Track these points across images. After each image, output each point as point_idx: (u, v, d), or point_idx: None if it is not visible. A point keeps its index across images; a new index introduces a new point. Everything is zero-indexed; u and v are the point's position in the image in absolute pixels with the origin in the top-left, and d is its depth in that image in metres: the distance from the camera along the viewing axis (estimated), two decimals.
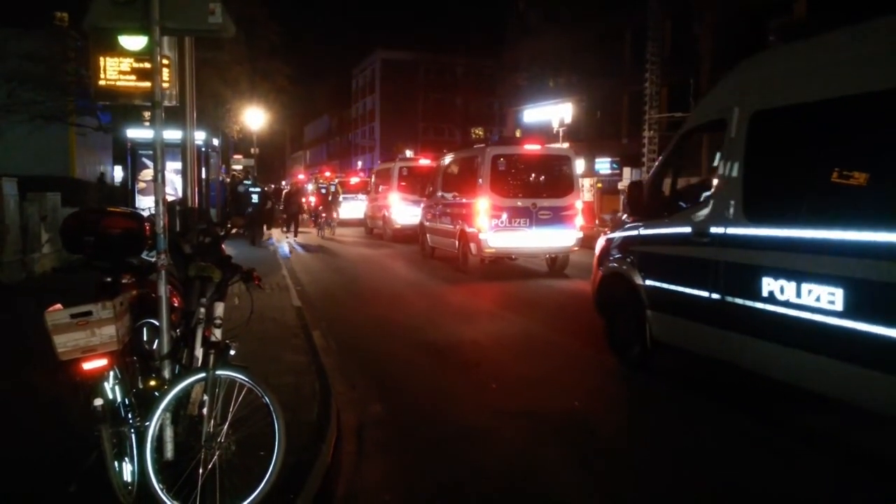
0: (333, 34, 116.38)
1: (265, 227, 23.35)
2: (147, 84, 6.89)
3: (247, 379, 4.05)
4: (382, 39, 73.10)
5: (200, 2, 4.51)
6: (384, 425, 5.89)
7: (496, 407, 6.25)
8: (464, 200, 15.44)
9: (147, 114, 15.22)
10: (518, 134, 39.09)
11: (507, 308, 11.21)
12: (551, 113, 38.02)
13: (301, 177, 43.32)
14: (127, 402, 4.05)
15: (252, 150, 36.63)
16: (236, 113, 30.58)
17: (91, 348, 3.82)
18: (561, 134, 35.27)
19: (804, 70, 5.78)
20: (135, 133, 18.72)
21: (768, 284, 5.55)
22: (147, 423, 3.88)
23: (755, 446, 5.41)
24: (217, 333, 4.30)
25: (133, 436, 3.99)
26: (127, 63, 8.78)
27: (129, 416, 4.03)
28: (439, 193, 17.28)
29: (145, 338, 4.64)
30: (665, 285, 6.95)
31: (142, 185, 18.78)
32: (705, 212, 6.42)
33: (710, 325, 6.26)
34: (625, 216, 8.26)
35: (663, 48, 29.53)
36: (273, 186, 33.58)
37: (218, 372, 4.04)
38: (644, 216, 7.52)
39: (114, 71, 7.71)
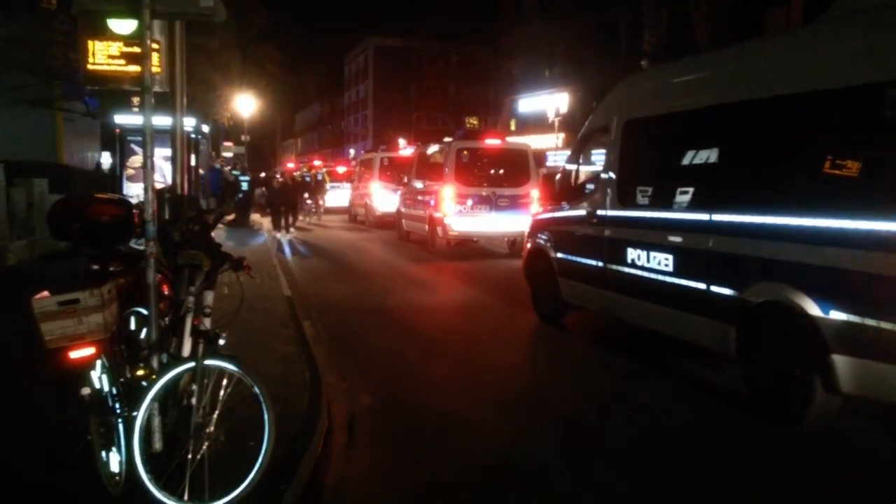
0: (325, 20, 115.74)
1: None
2: (136, 69, 6.80)
3: (236, 369, 4.00)
4: (375, 26, 72.64)
5: None
6: (375, 415, 5.86)
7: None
8: (433, 188, 17.14)
9: (136, 99, 15.05)
10: (512, 125, 38.99)
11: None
12: (547, 102, 37.92)
13: (290, 165, 43.10)
14: (114, 391, 4.00)
15: (243, 138, 36.42)
16: (227, 99, 30.37)
17: (78, 336, 3.77)
18: (556, 123, 35.18)
19: (655, 89, 7.89)
20: (123, 119, 18.50)
21: (631, 254, 7.39)
22: (135, 413, 3.83)
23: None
24: (206, 322, 4.25)
25: (121, 426, 3.93)
26: (116, 47, 8.65)
27: (117, 405, 3.98)
28: (413, 182, 18.98)
29: (133, 326, 4.58)
30: (569, 257, 8.79)
31: (130, 171, 18.59)
32: (594, 199, 8.27)
33: (597, 287, 8.08)
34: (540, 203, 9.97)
35: (659, 38, 29.48)
36: (265, 175, 33.25)
37: (207, 361, 4.00)
38: (556, 202, 9.29)
39: (102, 55, 7.61)
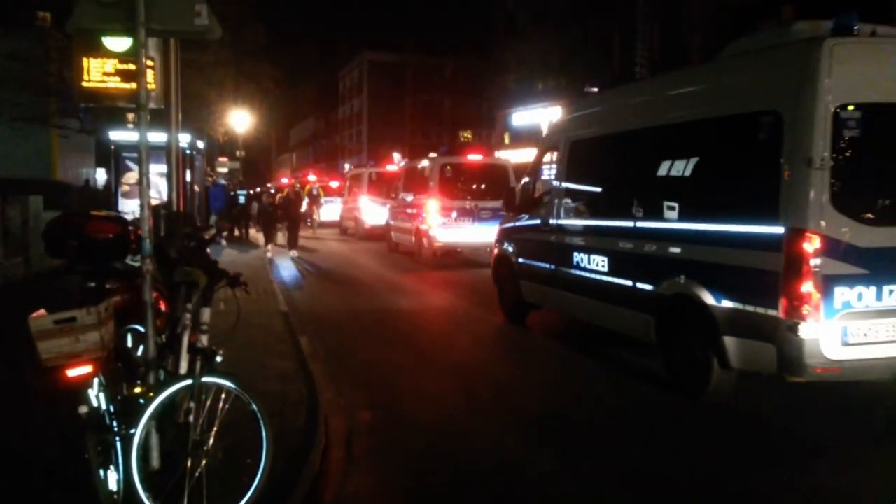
0: (320, 35, 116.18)
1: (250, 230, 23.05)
2: (132, 86, 6.82)
3: (234, 386, 3.99)
4: (369, 41, 72.95)
5: (186, 3, 4.45)
6: (373, 432, 5.84)
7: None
8: (419, 202, 18.10)
9: (131, 116, 15.05)
10: (506, 138, 39.04)
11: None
12: (540, 116, 38.01)
13: (285, 180, 43.14)
14: (112, 409, 3.98)
15: (238, 153, 36.45)
16: (221, 115, 30.39)
17: (76, 355, 3.75)
18: None
19: (593, 114, 9.11)
20: (118, 135, 18.52)
21: (576, 257, 8.53)
22: (132, 431, 3.81)
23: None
24: (203, 339, 4.25)
25: (118, 443, 3.92)
26: (111, 64, 8.68)
27: (115, 423, 3.96)
28: (401, 196, 20.07)
29: (130, 344, 4.57)
30: (527, 262, 9.84)
31: (126, 188, 18.59)
32: (546, 209, 9.37)
33: (551, 287, 9.15)
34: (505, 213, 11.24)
35: (652, 50, 29.63)
36: (260, 190, 33.26)
37: (204, 379, 3.99)
38: (517, 213, 10.34)
39: (98, 72, 7.63)
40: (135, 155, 13.28)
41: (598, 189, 8.65)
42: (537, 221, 9.53)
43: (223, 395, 4.01)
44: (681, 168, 6.94)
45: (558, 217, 9.04)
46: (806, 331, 5.48)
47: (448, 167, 17.93)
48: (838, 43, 5.69)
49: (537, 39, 39.90)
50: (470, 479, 4.93)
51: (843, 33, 5.86)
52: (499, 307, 10.76)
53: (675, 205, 6.89)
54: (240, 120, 32.39)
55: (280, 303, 11.19)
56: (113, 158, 19.04)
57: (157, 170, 13.44)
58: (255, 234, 25.44)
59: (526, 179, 10.46)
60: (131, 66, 6.44)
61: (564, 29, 37.29)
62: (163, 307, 4.68)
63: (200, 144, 24.19)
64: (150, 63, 8.36)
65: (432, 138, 65.83)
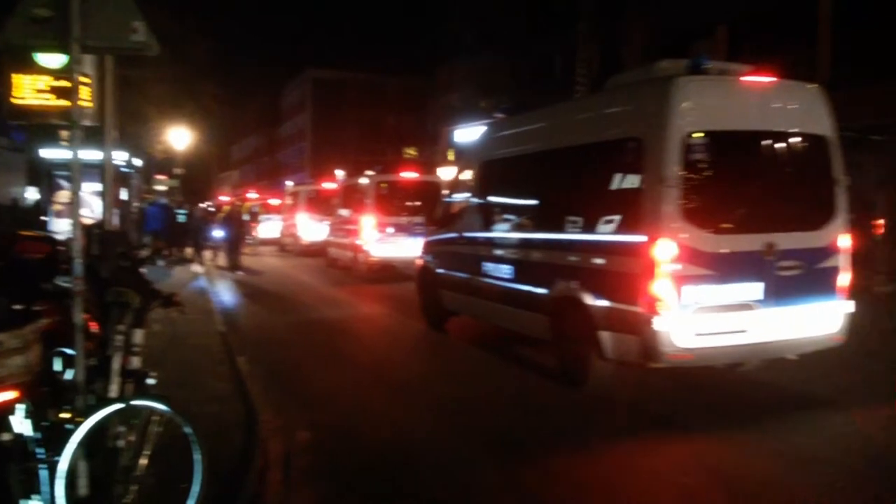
0: (263, 53, 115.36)
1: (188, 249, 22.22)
2: (65, 103, 6.67)
3: (166, 408, 3.92)
4: (312, 58, 72.74)
5: (122, 20, 4.39)
6: (313, 452, 5.77)
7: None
8: (355, 218, 18.75)
9: (65, 133, 14.68)
10: (450, 155, 39.28)
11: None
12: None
13: (225, 198, 42.57)
14: (38, 435, 3.86)
15: (176, 171, 35.76)
16: (160, 132, 29.80)
17: None
18: None
19: (499, 138, 9.97)
20: (51, 153, 17.99)
21: (486, 266, 9.35)
22: (59, 458, 3.70)
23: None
24: (135, 362, 4.16)
25: (44, 471, 3.79)
26: (44, 81, 8.46)
27: (40, 450, 3.83)
28: (339, 213, 20.76)
29: (59, 367, 4.44)
30: (447, 272, 10.59)
31: (58, 207, 18.02)
32: (462, 223, 10.23)
33: (467, 295, 9.96)
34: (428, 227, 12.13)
35: (591, 70, 30.28)
36: (202, 206, 32.62)
37: (135, 402, 3.91)
38: (438, 227, 11.15)
39: (30, 89, 7.43)
40: (67, 173, 12.91)
41: (504, 205, 9.56)
42: (454, 235, 10.39)
43: (155, 419, 3.93)
44: (568, 186, 8.14)
45: (471, 231, 9.94)
46: (661, 324, 6.38)
47: (383, 185, 18.60)
48: (689, 80, 6.71)
49: (481, 58, 40.44)
50: (411, 496, 4.92)
51: (695, 72, 6.91)
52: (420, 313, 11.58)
53: (564, 219, 7.90)
54: (179, 137, 31.77)
55: (218, 322, 11.00)
56: (45, 177, 18.47)
57: (91, 188, 13.13)
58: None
59: (446, 196, 11.35)
60: (65, 83, 6.31)
61: (507, 49, 37.89)
62: (94, 329, 4.57)
63: (137, 162, 23.67)
64: (84, 80, 8.19)
65: (377, 155, 65.57)
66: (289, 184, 38.50)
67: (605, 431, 6.35)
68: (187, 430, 3.89)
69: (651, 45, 26.00)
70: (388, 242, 17.70)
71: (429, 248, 11.41)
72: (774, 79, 7.20)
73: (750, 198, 7.03)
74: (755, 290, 6.64)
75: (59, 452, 3.71)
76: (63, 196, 17.54)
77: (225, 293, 15.75)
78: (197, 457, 3.87)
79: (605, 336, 6.97)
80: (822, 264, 6.98)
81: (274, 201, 36.95)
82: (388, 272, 18.22)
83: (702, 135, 6.64)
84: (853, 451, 5.67)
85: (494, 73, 39.77)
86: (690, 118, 6.58)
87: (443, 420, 6.71)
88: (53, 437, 3.87)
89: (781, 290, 6.70)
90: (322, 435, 6.17)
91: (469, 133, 40.77)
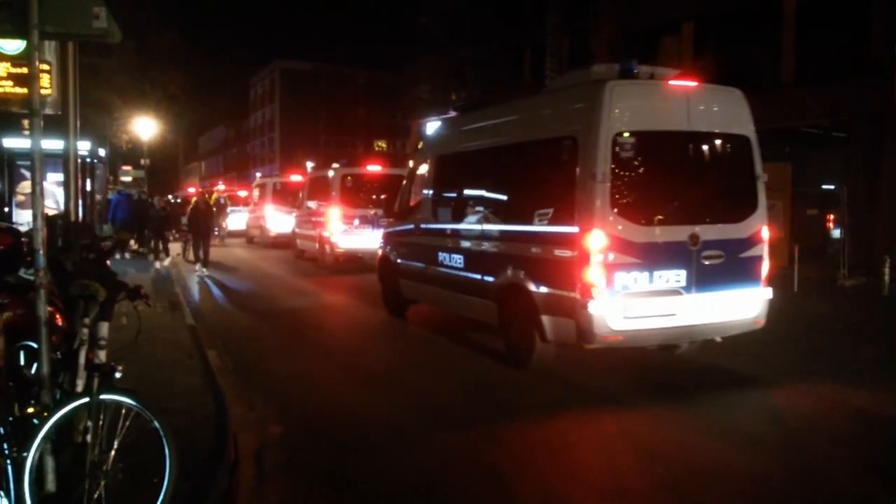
0: (231, 43, 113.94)
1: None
2: (24, 90, 6.50)
3: (134, 403, 3.84)
4: (281, 49, 72.12)
5: (83, 5, 4.28)
6: (285, 446, 5.72)
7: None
8: (322, 210, 19.06)
9: (26, 122, 14.34)
10: (420, 147, 39.13)
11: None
12: None
13: (192, 189, 42.01)
14: (2, 431, 3.76)
15: (142, 161, 35.20)
16: (125, 122, 29.29)
17: None
18: None
19: (452, 133, 10.63)
20: (12, 142, 17.56)
21: (440, 256, 9.80)
22: (25, 454, 3.62)
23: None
24: (101, 355, 4.08)
25: (9, 467, 3.70)
26: (2, 67, 8.25)
27: (5, 445, 3.74)
28: (306, 205, 20.95)
29: (23, 361, 4.33)
30: (405, 261, 10.99)
31: (20, 198, 17.60)
32: (418, 215, 10.63)
33: (423, 283, 10.40)
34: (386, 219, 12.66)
35: (561, 64, 30.36)
36: (168, 198, 32.06)
37: (102, 396, 3.82)
38: (396, 219, 11.54)
39: None
40: (29, 163, 12.60)
41: (455, 198, 9.96)
42: (411, 226, 10.82)
43: (123, 413, 3.85)
44: (512, 181, 8.72)
45: (426, 222, 10.40)
46: (594, 307, 6.92)
47: (349, 178, 19.04)
48: (618, 84, 7.21)
49: (451, 52, 40.36)
50: (385, 491, 4.90)
51: (626, 76, 7.40)
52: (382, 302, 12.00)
53: (511, 211, 8.57)
54: (145, 127, 31.26)
55: (187, 315, 10.85)
56: (6, 167, 18.02)
57: (54, 178, 12.83)
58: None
59: (404, 189, 11.72)
60: (24, 70, 6.15)
61: (477, 42, 37.87)
62: (59, 322, 4.47)
63: (102, 152, 23.21)
64: (45, 67, 8.00)
65: (347, 147, 65.44)
66: (258, 175, 38.16)
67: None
68: (156, 424, 3.82)
69: (619, 38, 26.19)
70: (354, 234, 18.05)
71: (388, 239, 11.90)
72: (699, 83, 7.70)
73: (676, 192, 7.58)
74: (680, 277, 7.20)
75: (25, 448, 3.63)
76: (25, 186, 17.14)
77: (193, 286, 15.53)
78: (167, 452, 3.80)
79: (546, 320, 7.51)
80: (743, 254, 7.59)
81: (242, 193, 36.65)
82: (354, 263, 18.38)
83: (630, 135, 7.23)
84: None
85: (464, 66, 39.76)
86: (620, 119, 7.12)
87: (402, 402, 7.11)
88: (19, 433, 3.78)
89: (705, 278, 7.28)
90: (291, 426, 6.13)
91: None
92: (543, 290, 7.58)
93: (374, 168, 19.46)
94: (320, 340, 10.29)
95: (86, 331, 4.12)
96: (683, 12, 23.59)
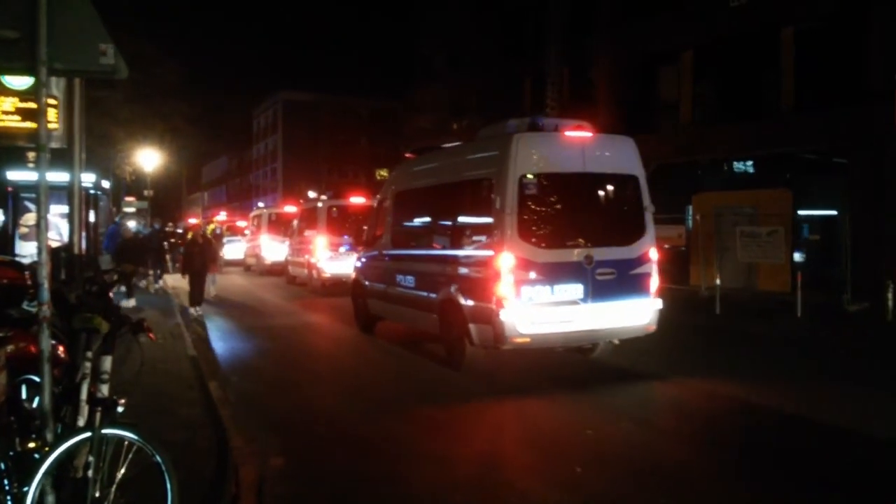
0: (234, 74, 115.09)
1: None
2: (32, 125, 6.57)
3: (136, 437, 3.83)
4: (284, 80, 72.76)
5: (91, 42, 4.34)
6: (286, 478, 5.67)
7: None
8: (310, 239, 20.72)
9: (31, 155, 14.43)
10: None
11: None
12: None
13: (193, 221, 42.26)
14: (3, 466, 3.75)
15: (146, 192, 35.37)
16: (129, 154, 29.51)
17: None
18: None
19: (407, 173, 12.36)
20: (17, 175, 17.67)
21: (397, 277, 11.38)
22: (26, 489, 3.60)
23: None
24: (104, 389, 4.07)
25: (10, 503, 3.68)
26: (10, 102, 8.34)
27: (6, 481, 3.73)
28: (297, 235, 22.71)
29: (25, 395, 4.33)
30: (371, 283, 12.62)
31: (24, 230, 17.64)
32: (381, 242, 12.29)
33: (385, 301, 11.99)
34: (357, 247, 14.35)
35: (562, 94, 30.61)
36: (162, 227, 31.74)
37: (104, 430, 3.81)
38: (365, 246, 13.24)
39: None
40: (33, 195, 12.66)
41: (409, 227, 11.75)
42: (376, 252, 12.46)
43: (125, 448, 3.83)
44: (448, 213, 10.35)
45: (387, 248, 12.01)
46: (506, 315, 8.46)
47: (334, 209, 20.69)
48: (523, 136, 8.93)
49: (452, 82, 40.75)
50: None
51: (532, 128, 9.18)
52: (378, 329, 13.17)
53: (447, 238, 10.24)
54: (148, 158, 31.47)
55: (188, 346, 10.84)
56: (11, 199, 18.10)
57: (58, 210, 12.89)
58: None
59: (371, 219, 13.51)
60: (32, 105, 6.23)
61: (478, 72, 38.24)
62: (61, 355, 4.47)
63: (106, 184, 23.35)
64: (52, 102, 8.10)
65: (349, 177, 65.74)
66: (260, 205, 38.39)
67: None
68: (158, 458, 3.80)
69: (619, 67, 26.42)
70: (339, 260, 19.06)
71: (359, 263, 13.56)
72: (594, 133, 9.40)
73: (573, 221, 9.18)
74: (578, 290, 8.73)
75: (26, 483, 3.61)
76: (29, 219, 17.19)
77: (195, 318, 15.49)
78: (168, 486, 3.78)
79: (473, 327, 9.04)
80: (633, 271, 9.14)
81: (241, 223, 37.52)
82: (339, 287, 18.80)
83: (533, 176, 8.88)
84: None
85: (465, 95, 40.10)
86: (524, 164, 8.73)
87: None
88: (20, 468, 3.77)
89: (599, 290, 8.80)
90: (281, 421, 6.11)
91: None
92: (470, 302, 9.12)
93: (357, 200, 20.93)
94: (303, 358, 11.39)
95: (88, 364, 4.11)
96: (683, 41, 23.81)
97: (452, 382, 9.10)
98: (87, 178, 16.69)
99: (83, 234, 7.71)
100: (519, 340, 8.56)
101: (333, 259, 19.37)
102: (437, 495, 5.31)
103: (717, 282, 16.11)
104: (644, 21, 24.80)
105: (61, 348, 4.48)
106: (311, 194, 30.06)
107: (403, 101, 49.36)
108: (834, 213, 20.21)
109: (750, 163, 25.08)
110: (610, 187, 9.63)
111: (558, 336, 8.85)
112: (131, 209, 36.29)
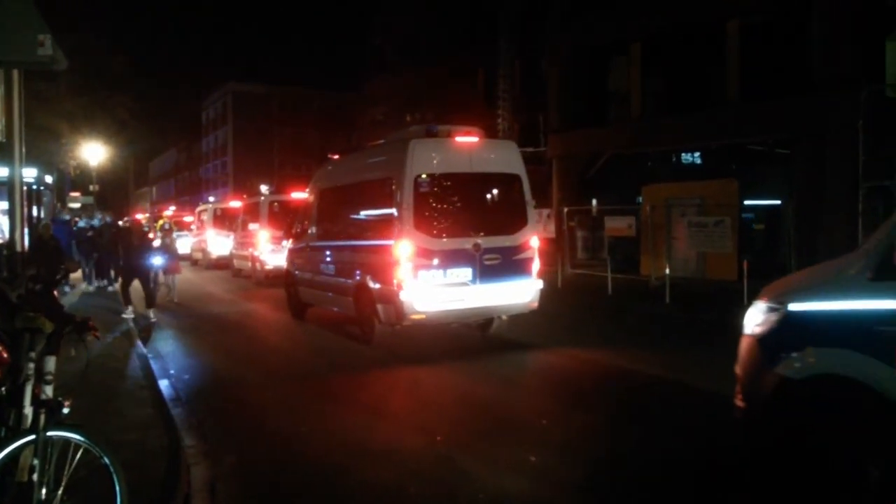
0: (182, 66, 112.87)
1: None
2: None
3: (82, 438, 3.73)
4: (234, 72, 71.54)
5: (28, 33, 4.22)
6: (239, 476, 5.61)
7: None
8: (253, 233, 21.84)
9: None
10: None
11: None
12: None
13: (140, 216, 41.55)
14: None
15: (91, 187, 34.48)
16: (73, 148, 28.70)
17: None
18: None
19: (328, 172, 13.76)
20: None
21: (321, 266, 12.74)
22: None
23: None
24: (48, 390, 3.95)
25: None
26: None
27: None
28: (241, 229, 23.64)
29: None
30: (300, 272, 13.89)
31: None
32: (308, 235, 13.55)
33: (312, 289, 13.26)
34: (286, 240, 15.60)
35: (514, 86, 30.76)
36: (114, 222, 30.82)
37: (49, 433, 3.70)
38: (295, 239, 14.37)
39: None
40: None
41: (329, 221, 12.96)
42: (304, 244, 13.75)
43: (71, 450, 3.74)
44: (360, 208, 11.78)
45: (313, 241, 13.30)
46: (404, 295, 9.78)
47: (275, 203, 21.91)
48: (419, 142, 10.29)
49: (405, 73, 40.59)
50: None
51: (428, 135, 10.42)
52: (311, 318, 14.06)
53: (361, 230, 11.52)
54: (94, 152, 30.66)
55: (137, 345, 10.62)
56: None
57: None
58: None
59: (300, 214, 14.64)
60: None
61: (431, 64, 38.17)
62: (4, 356, 4.33)
63: (49, 179, 22.70)
64: None
65: (302, 169, 65.00)
66: (211, 199, 37.87)
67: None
68: (106, 460, 3.72)
69: (570, 59, 26.64)
70: (281, 253, 19.28)
71: (289, 255, 14.75)
72: (480, 139, 10.73)
73: (463, 214, 10.39)
74: (468, 273, 10.08)
75: None
76: None
77: (145, 316, 15.14)
78: (117, 487, 3.70)
79: (379, 307, 10.34)
80: (516, 257, 10.49)
81: (188, 218, 37.40)
82: (281, 278, 18.47)
83: (427, 176, 10.20)
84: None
85: (419, 87, 40.01)
86: (419, 166, 10.08)
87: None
88: None
89: (487, 273, 10.14)
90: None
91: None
92: (377, 286, 10.43)
93: (297, 195, 21.18)
94: (240, 342, 12.21)
95: (32, 365, 3.99)
96: (630, 34, 24.13)
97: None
98: (29, 173, 16.24)
99: (25, 230, 7.47)
100: (416, 317, 9.87)
101: (275, 252, 19.84)
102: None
103: (667, 271, 16.41)
104: (593, 12, 25.04)
105: (3, 349, 4.34)
106: (264, 188, 29.70)
107: (357, 92, 49.03)
108: (778, 202, 20.79)
109: (698, 154, 25.62)
110: (495, 185, 10.96)
111: (451, 313, 10.18)
112: (76, 204, 35.35)
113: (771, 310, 4.74)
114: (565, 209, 22.36)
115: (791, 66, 18.94)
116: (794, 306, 4.59)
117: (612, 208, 20.77)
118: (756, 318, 4.88)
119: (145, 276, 14.33)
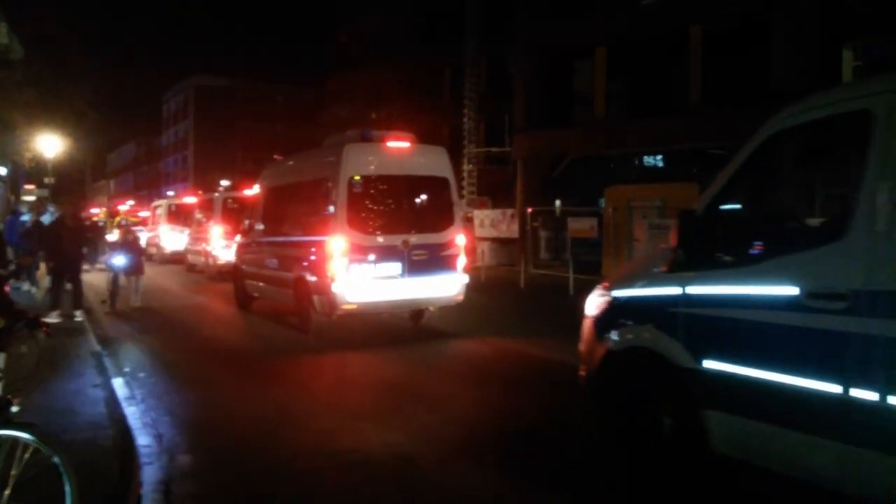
0: (143, 58, 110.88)
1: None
2: None
3: (31, 437, 3.63)
4: (196, 66, 70.60)
5: None
6: (194, 476, 5.51)
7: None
8: (207, 229, 22.26)
9: None
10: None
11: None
12: None
13: (95, 210, 40.79)
14: None
15: (46, 180, 33.65)
16: (28, 139, 27.98)
17: None
18: None
19: (275, 172, 14.64)
20: None
21: (265, 259, 13.34)
22: None
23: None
24: None
25: None
26: None
27: None
28: (195, 224, 24.11)
29: None
30: (247, 267, 14.41)
31: None
32: (255, 231, 14.18)
33: (257, 282, 13.89)
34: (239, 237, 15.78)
35: (480, 85, 30.79)
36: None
37: None
38: (243, 235, 14.93)
39: None
40: None
41: (273, 218, 13.51)
42: (250, 240, 14.36)
43: (20, 449, 3.63)
44: (301, 207, 12.39)
45: (259, 237, 13.90)
46: (337, 287, 10.46)
47: (230, 200, 22.38)
48: (353, 146, 11.10)
49: (370, 70, 40.38)
50: None
51: (363, 139, 11.31)
52: (256, 309, 14.67)
53: (301, 227, 12.06)
54: (50, 144, 29.90)
55: (92, 342, 10.40)
56: None
57: None
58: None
59: (248, 211, 15.35)
60: None
61: (396, 61, 38.04)
62: None
63: (2, 171, 22.11)
64: None
65: (264, 164, 64.16)
66: (170, 194, 37.38)
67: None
68: (55, 459, 3.62)
69: (536, 60, 26.78)
70: (233, 248, 19.23)
71: (237, 250, 15.44)
72: (411, 144, 11.47)
73: (393, 213, 11.19)
74: (396, 267, 10.75)
75: None
76: None
77: (101, 312, 14.88)
78: (67, 487, 3.61)
79: (315, 298, 10.98)
80: (442, 253, 11.19)
81: (143, 213, 37.46)
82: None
83: (360, 178, 10.93)
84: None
85: (384, 84, 39.84)
86: (353, 168, 10.84)
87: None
88: None
89: (414, 268, 10.83)
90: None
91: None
92: (314, 278, 11.01)
93: (250, 192, 21.18)
94: (187, 336, 12.35)
95: None
96: (596, 38, 24.35)
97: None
98: None
99: None
100: (347, 307, 10.57)
101: (228, 248, 19.87)
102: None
103: None
104: (559, 16, 25.20)
105: None
106: (224, 183, 29.38)
107: (321, 88, 48.67)
108: (738, 206, 21.12)
109: (660, 157, 25.97)
110: (425, 187, 11.71)
111: (381, 304, 10.95)
112: (31, 197, 34.46)
113: (602, 296, 5.67)
114: (529, 209, 22.48)
115: (751, 73, 19.30)
116: (616, 293, 5.54)
117: (576, 209, 20.95)
118: (594, 303, 5.79)
119: (76, 272, 12.92)
